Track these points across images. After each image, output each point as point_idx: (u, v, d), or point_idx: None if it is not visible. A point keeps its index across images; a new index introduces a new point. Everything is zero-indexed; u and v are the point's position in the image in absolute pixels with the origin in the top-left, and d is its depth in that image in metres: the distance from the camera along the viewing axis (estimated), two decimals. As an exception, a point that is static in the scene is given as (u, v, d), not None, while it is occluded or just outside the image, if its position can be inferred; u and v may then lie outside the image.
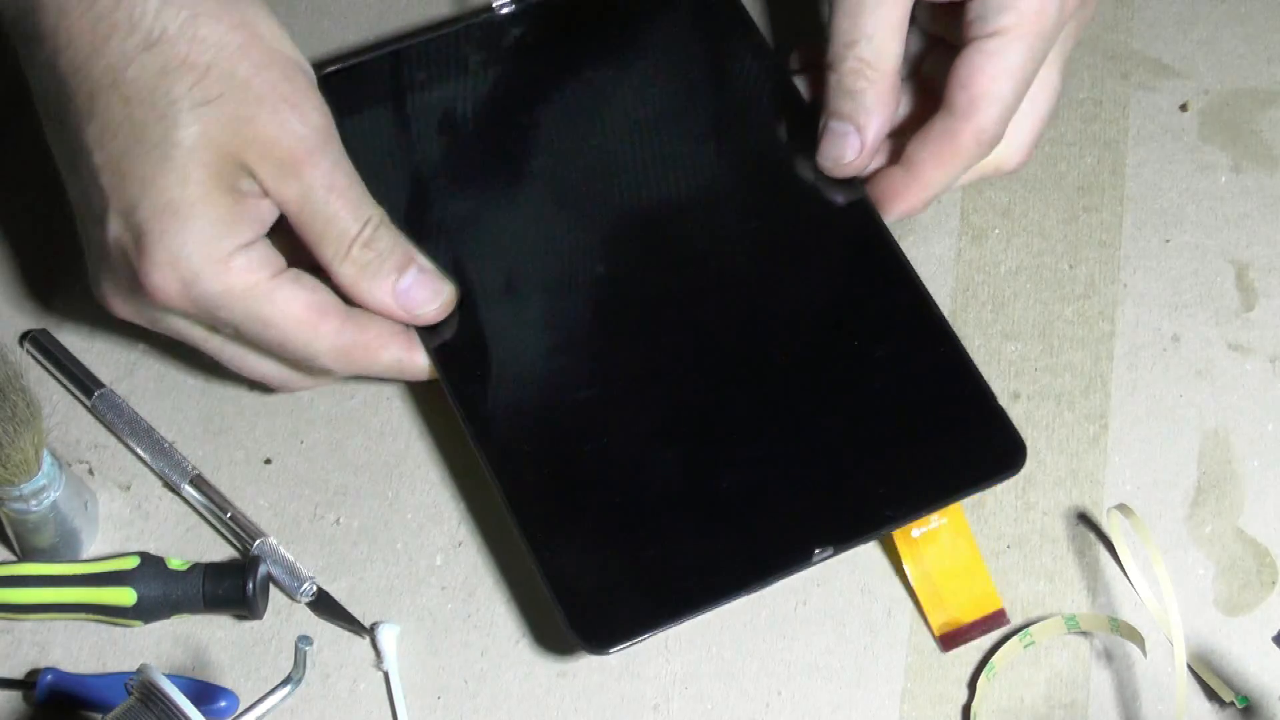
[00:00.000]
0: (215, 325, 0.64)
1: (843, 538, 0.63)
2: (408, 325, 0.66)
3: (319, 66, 0.69)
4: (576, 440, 0.65)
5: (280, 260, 0.63)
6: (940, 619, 0.66)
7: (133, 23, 0.60)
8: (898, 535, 0.66)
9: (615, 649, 0.62)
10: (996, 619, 0.67)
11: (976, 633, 0.66)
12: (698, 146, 0.71)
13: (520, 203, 0.70)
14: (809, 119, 0.70)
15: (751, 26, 0.74)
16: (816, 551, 0.63)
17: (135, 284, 0.62)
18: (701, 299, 0.68)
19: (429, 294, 0.65)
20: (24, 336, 0.74)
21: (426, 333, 0.66)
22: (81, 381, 0.72)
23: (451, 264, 0.67)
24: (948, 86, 0.66)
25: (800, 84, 0.72)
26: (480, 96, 0.72)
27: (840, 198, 0.69)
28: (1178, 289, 0.74)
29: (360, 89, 0.72)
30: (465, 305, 0.67)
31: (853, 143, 0.67)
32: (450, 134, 0.72)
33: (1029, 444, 0.71)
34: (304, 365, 0.65)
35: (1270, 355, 0.73)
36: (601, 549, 0.63)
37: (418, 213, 0.69)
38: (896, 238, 0.69)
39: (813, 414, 0.65)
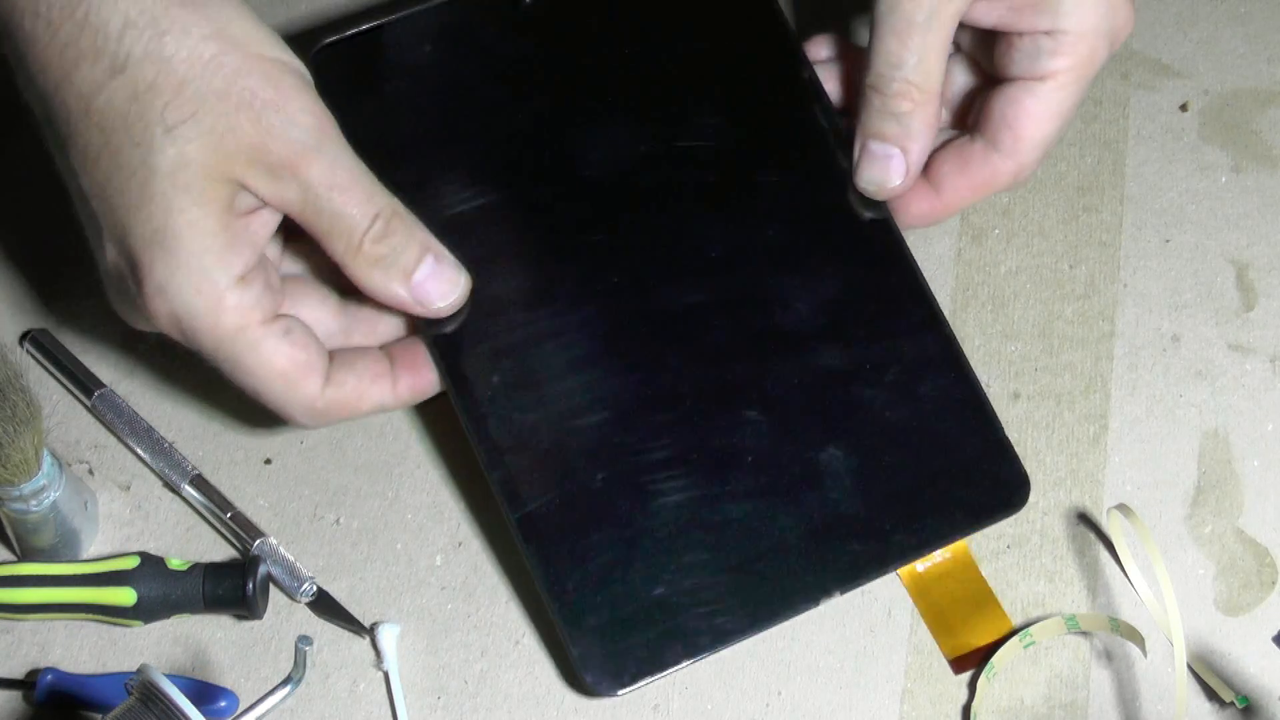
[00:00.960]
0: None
1: (849, 578, 0.64)
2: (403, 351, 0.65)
3: (317, 37, 0.68)
4: (587, 468, 0.64)
5: (273, 303, 0.61)
6: (951, 645, 0.67)
7: (97, 49, 0.58)
8: (902, 570, 0.66)
9: (624, 691, 0.62)
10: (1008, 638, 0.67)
11: (989, 652, 0.66)
12: (731, 150, 0.69)
13: (537, 191, 0.68)
14: (835, 136, 0.68)
15: (775, 11, 0.71)
16: (823, 595, 0.64)
17: (138, 306, 0.61)
18: (715, 326, 0.66)
19: (445, 287, 0.63)
20: (24, 336, 0.74)
21: (436, 342, 0.65)
22: (81, 381, 0.72)
23: (460, 257, 0.65)
24: (991, 121, 0.65)
25: (822, 75, 0.70)
26: (493, 69, 0.69)
27: (862, 219, 0.68)
28: (1178, 289, 0.74)
29: (362, 60, 0.69)
30: (476, 310, 0.65)
31: (897, 166, 0.66)
32: (461, 107, 0.69)
33: (1029, 444, 0.71)
34: (278, 413, 0.64)
35: (1270, 355, 0.73)
36: (612, 585, 0.63)
37: (430, 193, 0.66)
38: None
39: (824, 453, 0.65)
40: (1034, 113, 0.65)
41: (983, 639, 0.66)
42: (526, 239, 0.67)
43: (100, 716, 0.66)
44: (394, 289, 0.62)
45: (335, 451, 0.72)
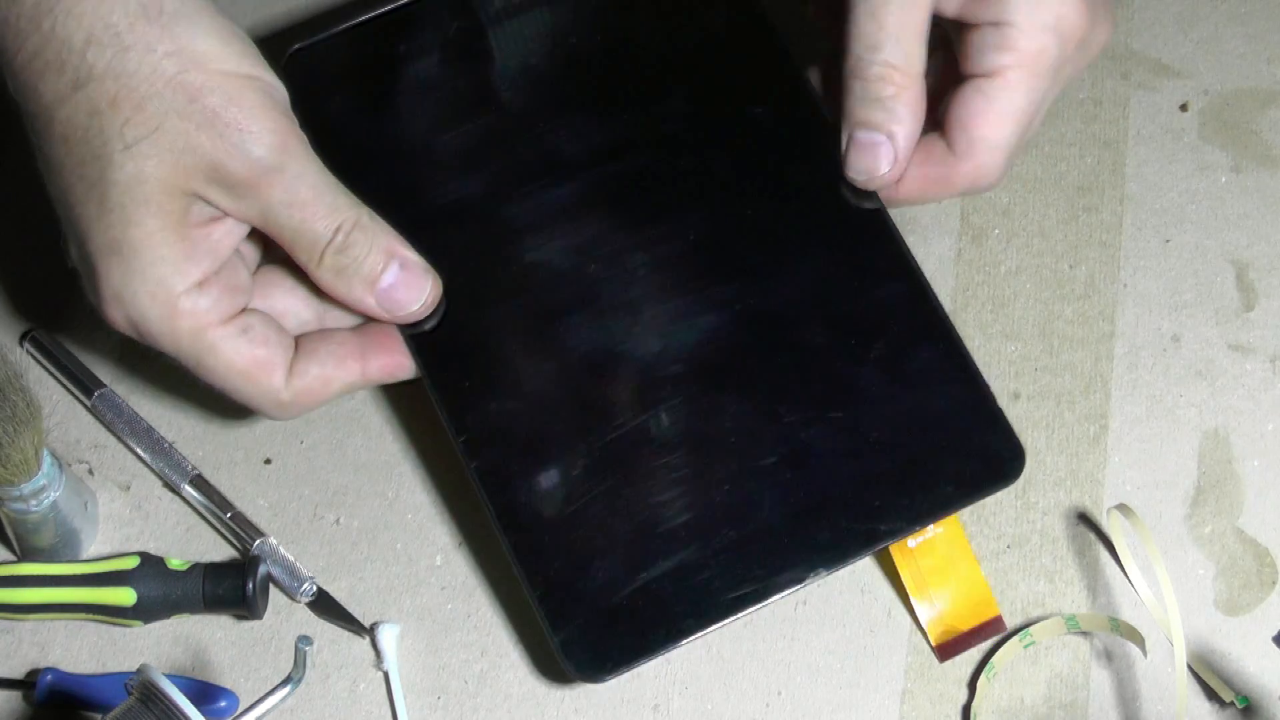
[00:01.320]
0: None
1: (839, 556, 0.62)
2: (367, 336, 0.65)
3: (288, 42, 0.68)
4: (571, 459, 0.64)
5: (234, 303, 0.62)
6: (938, 629, 0.66)
7: (61, 62, 0.59)
8: (893, 546, 0.65)
9: (610, 677, 0.62)
10: (994, 625, 0.66)
11: (974, 640, 0.66)
12: (702, 139, 0.68)
13: (515, 194, 0.67)
14: (819, 122, 0.67)
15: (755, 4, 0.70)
16: (810, 573, 0.62)
17: (97, 309, 0.62)
18: (701, 299, 0.66)
19: (412, 293, 0.63)
20: (24, 336, 0.74)
21: (412, 336, 0.64)
22: (81, 381, 0.72)
23: (438, 253, 0.64)
24: (947, 121, 0.64)
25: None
26: (466, 69, 0.69)
27: (845, 194, 0.66)
28: (1178, 289, 0.74)
29: (335, 64, 0.69)
30: (454, 304, 0.65)
31: (885, 153, 0.64)
32: (435, 111, 0.68)
33: (1029, 444, 0.71)
34: (249, 408, 0.64)
35: (1270, 355, 0.73)
36: (593, 571, 0.62)
37: (400, 198, 0.66)
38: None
39: (808, 427, 0.64)
40: (983, 112, 0.63)
41: (968, 622, 0.66)
42: (503, 233, 0.67)
43: (100, 716, 0.66)
44: (359, 297, 0.63)
45: (335, 451, 0.72)
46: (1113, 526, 0.68)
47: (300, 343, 0.64)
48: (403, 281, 0.63)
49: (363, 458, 0.72)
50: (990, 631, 0.66)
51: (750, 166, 0.68)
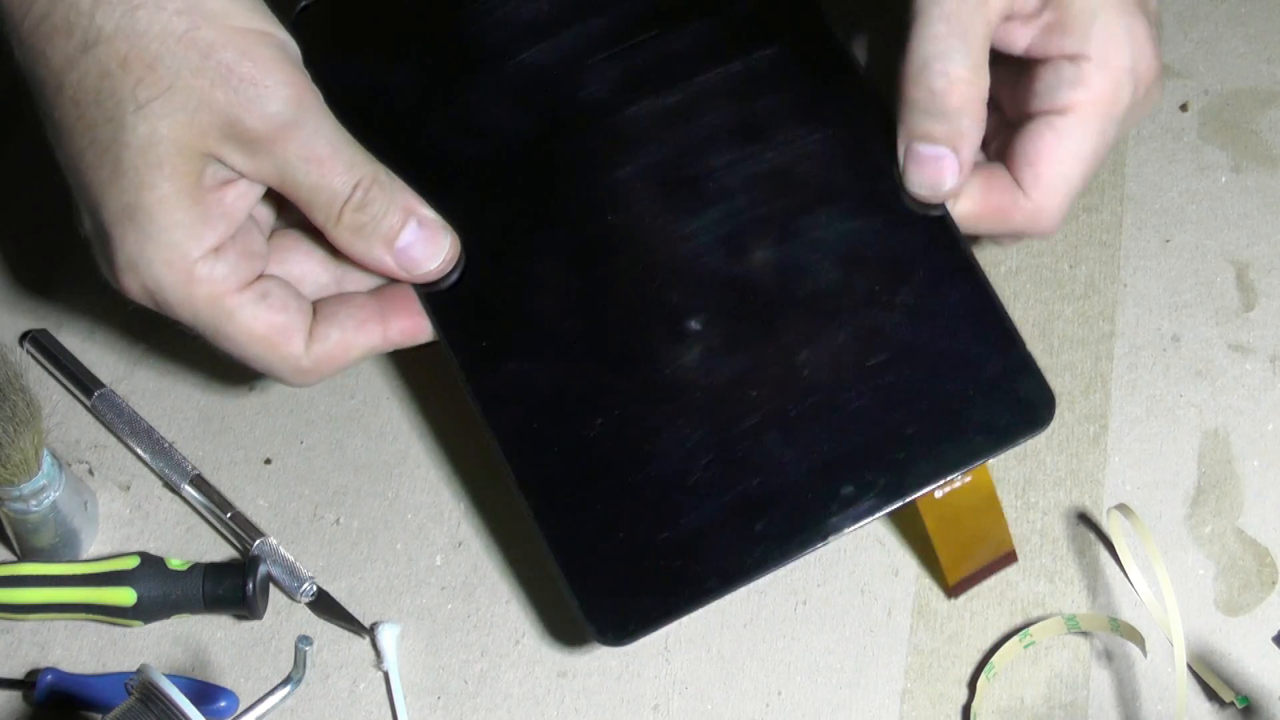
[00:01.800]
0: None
1: (866, 510, 0.60)
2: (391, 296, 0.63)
3: (295, 1, 0.67)
4: (591, 418, 0.62)
5: (251, 269, 0.61)
6: (957, 573, 0.65)
7: (69, 25, 0.58)
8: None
9: (632, 639, 0.60)
10: (1006, 559, 0.65)
11: (986, 575, 0.65)
12: (719, 85, 0.66)
13: (532, 149, 0.66)
14: (839, 65, 0.65)
15: None
16: (836, 530, 0.60)
17: (112, 279, 0.61)
18: (715, 255, 0.64)
19: (431, 251, 0.62)
20: (24, 336, 0.74)
21: (429, 297, 0.63)
22: (81, 381, 0.72)
23: (455, 215, 0.63)
24: (1013, 155, 0.62)
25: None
26: (480, 23, 0.68)
27: (863, 137, 0.64)
28: (1178, 289, 0.74)
29: (346, 19, 0.67)
30: (471, 264, 0.64)
31: (950, 166, 0.61)
32: (446, 68, 0.67)
33: (1029, 444, 0.71)
34: (269, 376, 0.63)
35: (1270, 355, 0.73)
36: (615, 533, 0.61)
37: (412, 157, 0.64)
38: None
39: (834, 379, 0.62)
40: (1053, 149, 0.61)
41: (984, 559, 0.65)
42: (522, 191, 0.66)
43: (100, 716, 0.66)
44: (378, 256, 0.62)
45: (335, 451, 0.72)
46: (1113, 526, 0.68)
47: (319, 307, 0.63)
48: (421, 239, 0.62)
49: (363, 458, 0.72)
50: (1002, 565, 0.65)
51: (770, 111, 0.66)
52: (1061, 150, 0.61)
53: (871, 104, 0.65)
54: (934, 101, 0.61)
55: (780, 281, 0.63)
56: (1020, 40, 0.62)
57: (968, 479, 0.61)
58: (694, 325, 0.63)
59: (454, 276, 0.63)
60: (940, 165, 0.62)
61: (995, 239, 0.65)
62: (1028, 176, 0.62)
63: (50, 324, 0.74)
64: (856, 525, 0.60)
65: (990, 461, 0.61)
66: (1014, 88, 0.64)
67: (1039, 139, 0.62)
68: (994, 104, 0.64)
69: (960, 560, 0.65)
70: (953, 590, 0.65)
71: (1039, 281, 0.74)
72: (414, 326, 0.63)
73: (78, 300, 0.74)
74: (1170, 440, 0.71)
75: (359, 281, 0.64)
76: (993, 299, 0.62)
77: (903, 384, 0.61)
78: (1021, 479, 0.70)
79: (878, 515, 0.60)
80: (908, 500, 0.61)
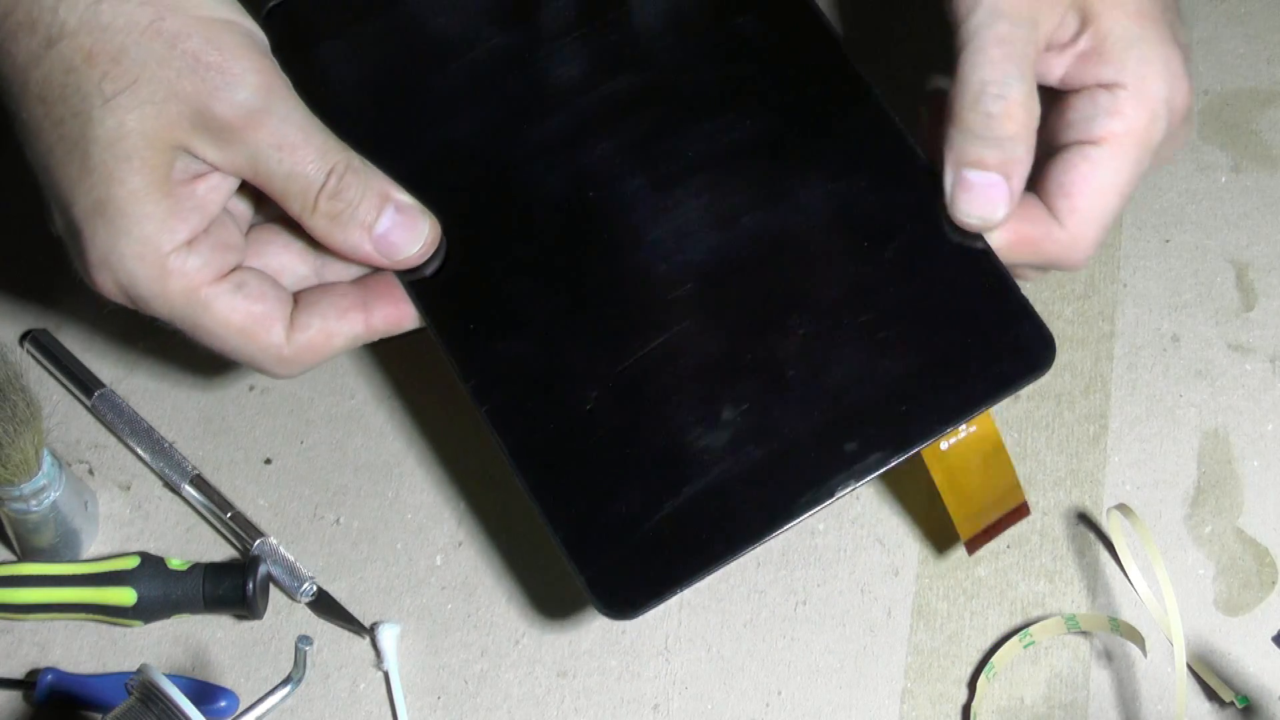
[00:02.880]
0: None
1: (868, 466, 0.59)
2: (375, 284, 0.62)
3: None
4: (582, 392, 0.61)
5: (225, 260, 0.60)
6: (969, 528, 0.63)
7: (33, 21, 0.57)
8: (925, 450, 0.60)
9: (641, 612, 0.58)
10: (1019, 513, 0.64)
11: (1000, 530, 0.64)
12: (690, 51, 0.66)
13: (507, 130, 0.65)
14: (815, 25, 0.64)
15: None
16: (841, 487, 0.59)
17: (85, 277, 0.60)
18: (704, 216, 0.63)
19: (409, 236, 0.61)
20: (24, 336, 0.74)
21: (412, 283, 0.62)
22: (81, 381, 0.72)
23: (434, 201, 0.62)
24: (1047, 185, 0.61)
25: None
26: (449, 10, 0.67)
27: (847, 95, 0.64)
28: (1178, 289, 0.74)
29: (317, 16, 0.66)
30: (455, 247, 0.63)
31: (1001, 195, 0.60)
32: (417, 57, 0.66)
33: (1028, 444, 0.71)
34: (251, 368, 0.62)
35: (1270, 355, 0.73)
36: (616, 504, 0.60)
37: (386, 147, 0.63)
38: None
39: (827, 334, 0.61)
40: (1088, 179, 0.60)
41: (996, 513, 0.63)
42: (498, 173, 0.65)
43: (100, 716, 0.66)
44: (356, 243, 0.61)
45: (335, 451, 0.72)
46: (1113, 526, 0.68)
47: (299, 298, 0.62)
48: (400, 224, 0.61)
49: (363, 458, 0.72)
50: (1015, 519, 0.64)
51: (745, 72, 0.65)
52: (1097, 181, 0.60)
53: (845, 63, 0.64)
54: (990, 127, 0.59)
55: (767, 244, 0.63)
56: (1055, 69, 0.61)
57: (973, 429, 0.60)
58: (683, 293, 0.62)
59: (435, 262, 0.63)
60: (992, 194, 0.60)
61: (1021, 272, 0.63)
62: (1063, 207, 0.61)
63: (50, 324, 0.74)
64: (862, 481, 0.59)
65: (994, 410, 0.60)
66: (1046, 117, 0.62)
67: (1074, 169, 0.60)
68: None
69: (972, 515, 0.63)
70: (969, 546, 0.64)
71: (1039, 281, 0.74)
72: (398, 313, 0.62)
73: (78, 300, 0.74)
74: (1170, 440, 0.71)
75: (339, 272, 0.63)
76: (985, 247, 0.62)
77: (900, 337, 0.61)
78: (1021, 479, 0.70)
79: (883, 470, 0.59)
80: (912, 452, 0.60)
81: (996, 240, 0.61)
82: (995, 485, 0.63)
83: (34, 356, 0.73)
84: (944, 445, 0.60)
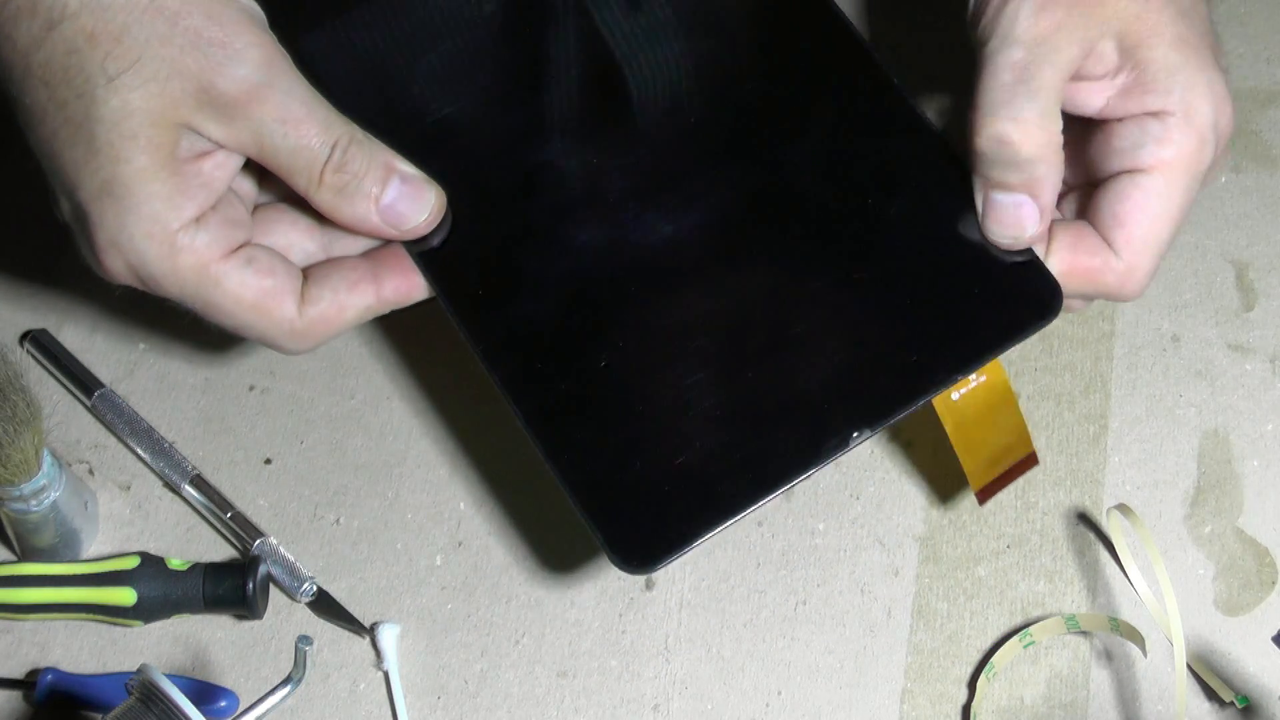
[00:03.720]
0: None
1: (880, 415, 0.59)
2: (385, 254, 0.62)
3: None
4: (593, 350, 0.61)
5: (234, 237, 0.60)
6: (980, 478, 0.63)
7: (33, 4, 0.57)
8: (936, 400, 0.61)
9: (660, 566, 0.58)
10: (1028, 462, 0.64)
11: (1010, 479, 0.64)
12: (692, 19, 0.66)
13: (505, 98, 0.65)
14: None
15: None
16: (854, 435, 0.59)
17: (95, 262, 0.60)
18: (707, 175, 0.63)
19: (416, 205, 0.61)
20: (24, 336, 0.74)
21: (422, 254, 0.62)
22: (81, 381, 0.72)
23: (439, 171, 0.62)
24: (1099, 215, 0.61)
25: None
26: None
27: (846, 56, 0.64)
28: (1178, 289, 0.74)
29: None
30: (461, 215, 0.63)
31: (1030, 214, 0.60)
32: (414, 27, 0.66)
33: (1029, 444, 0.71)
34: (264, 345, 0.62)
35: (1270, 355, 0.73)
36: (630, 461, 0.60)
37: (389, 118, 0.64)
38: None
39: (835, 285, 0.61)
40: (1142, 208, 0.60)
41: (1006, 462, 0.63)
42: (497, 139, 0.65)
43: (100, 716, 0.66)
44: (363, 215, 0.61)
45: (335, 451, 0.72)
46: (1113, 526, 0.68)
47: (309, 273, 0.62)
48: (406, 194, 0.61)
49: (363, 458, 0.72)
50: (1025, 469, 0.64)
51: (744, 35, 0.66)
52: (1150, 209, 0.60)
53: (840, 23, 0.65)
54: (1004, 151, 0.60)
55: (777, 198, 0.63)
56: (1094, 100, 0.61)
57: (982, 379, 0.61)
58: (692, 250, 0.62)
59: (442, 232, 0.63)
60: (1020, 213, 0.60)
61: (1072, 303, 0.63)
62: (1119, 237, 0.61)
63: (50, 324, 0.74)
64: (875, 430, 0.59)
65: (1002, 359, 0.61)
66: (1086, 147, 0.63)
67: (1127, 199, 0.60)
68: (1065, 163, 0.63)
69: (983, 465, 0.63)
70: (980, 495, 0.64)
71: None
72: (408, 284, 0.62)
73: (78, 300, 0.74)
74: (1170, 440, 0.71)
75: (347, 247, 0.63)
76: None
77: (910, 288, 0.61)
78: (1021, 479, 0.70)
79: (896, 419, 0.60)
80: (924, 400, 0.60)
81: (1053, 270, 0.61)
82: (1005, 434, 0.63)
83: (34, 356, 0.73)
84: (955, 395, 0.60)
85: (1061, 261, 0.61)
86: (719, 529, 0.58)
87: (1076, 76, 0.60)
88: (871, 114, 0.64)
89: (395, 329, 0.74)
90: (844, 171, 0.63)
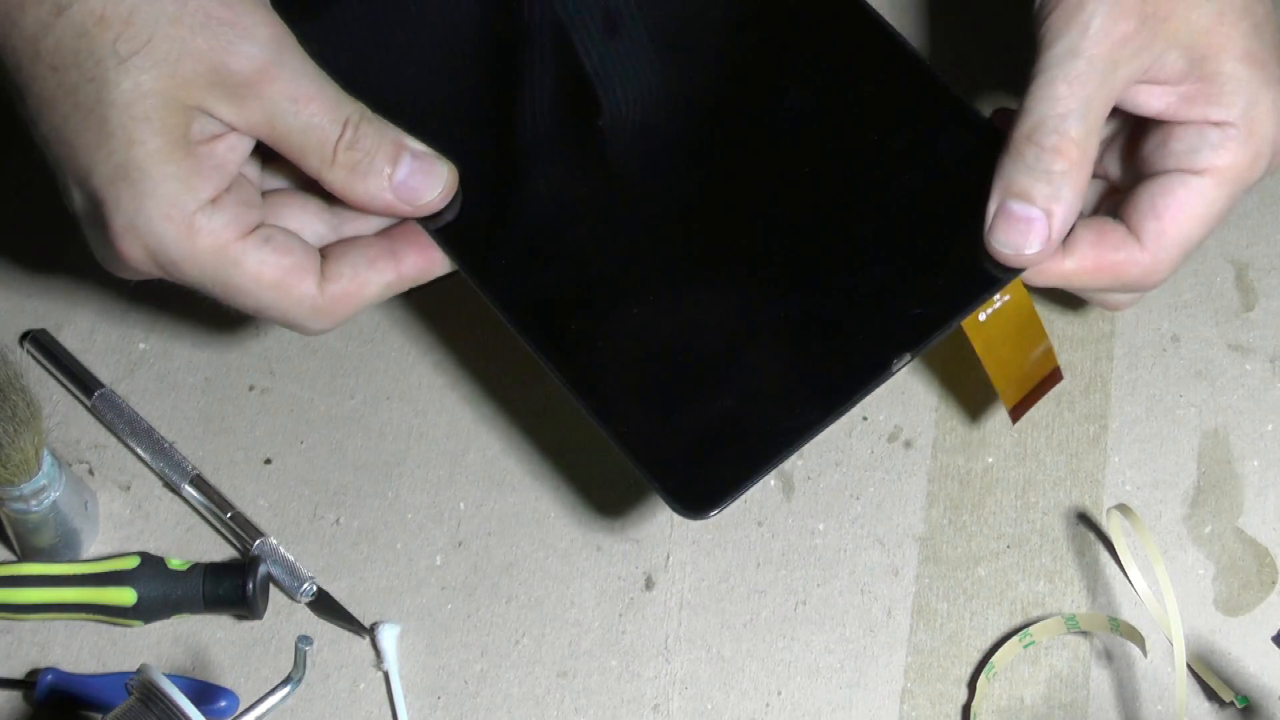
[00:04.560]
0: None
1: (918, 340, 0.60)
2: (401, 231, 0.62)
3: None
4: (625, 302, 0.61)
5: (250, 218, 0.60)
6: (1011, 395, 0.63)
7: None
8: (965, 322, 0.61)
9: (719, 509, 0.58)
10: (1054, 378, 0.64)
11: (1039, 395, 0.64)
12: None
13: (512, 63, 0.65)
14: None
15: None
16: (895, 361, 0.59)
17: (111, 252, 0.59)
18: (718, 124, 0.64)
19: (429, 181, 0.61)
20: (24, 336, 0.74)
21: (439, 230, 0.62)
22: (81, 381, 0.72)
23: (449, 146, 0.62)
24: (1135, 208, 0.61)
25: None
26: None
27: (838, 11, 0.65)
28: (1178, 289, 0.74)
29: None
30: (472, 187, 0.62)
31: (1039, 230, 0.59)
32: (418, 7, 0.66)
33: (1029, 444, 0.71)
34: (285, 326, 0.62)
35: (1270, 355, 0.73)
36: (678, 408, 0.60)
37: (401, 95, 0.64)
38: None
39: (864, 223, 0.62)
40: (1184, 206, 0.60)
41: (1034, 379, 0.63)
42: (507, 107, 0.65)
43: (100, 716, 0.66)
44: (377, 193, 0.60)
45: (335, 451, 0.72)
46: (1113, 526, 0.68)
47: (326, 252, 0.61)
48: (418, 171, 0.61)
49: (363, 458, 0.72)
50: (1051, 384, 0.64)
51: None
52: (1191, 208, 0.60)
53: None
54: (1041, 160, 0.59)
55: (787, 142, 0.63)
56: (1155, 103, 0.61)
57: (1007, 298, 0.61)
58: (715, 195, 0.63)
59: (456, 206, 0.62)
60: (1029, 228, 0.60)
61: (1097, 297, 0.63)
62: (1150, 229, 0.60)
63: (50, 324, 0.74)
64: (915, 354, 0.60)
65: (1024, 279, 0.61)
66: (1140, 145, 0.63)
67: (1171, 194, 0.60)
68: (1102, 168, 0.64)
69: (1013, 382, 0.63)
70: (1013, 414, 0.63)
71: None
72: (427, 260, 0.62)
73: (78, 300, 0.74)
74: (1170, 440, 0.71)
75: (358, 228, 0.63)
76: (993, 129, 0.62)
77: (931, 217, 0.62)
78: (1021, 479, 0.70)
79: (933, 343, 0.60)
80: (957, 322, 0.60)
81: (1073, 267, 0.61)
82: (1031, 350, 0.63)
83: (34, 356, 0.73)
84: (982, 316, 0.61)
85: (1084, 257, 0.61)
86: (770, 468, 0.59)
87: (1139, 80, 0.60)
88: (868, 65, 0.64)
89: (395, 329, 0.74)
90: (850, 114, 0.63)
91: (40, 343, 0.73)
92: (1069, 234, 0.60)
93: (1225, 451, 0.71)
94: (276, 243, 0.60)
